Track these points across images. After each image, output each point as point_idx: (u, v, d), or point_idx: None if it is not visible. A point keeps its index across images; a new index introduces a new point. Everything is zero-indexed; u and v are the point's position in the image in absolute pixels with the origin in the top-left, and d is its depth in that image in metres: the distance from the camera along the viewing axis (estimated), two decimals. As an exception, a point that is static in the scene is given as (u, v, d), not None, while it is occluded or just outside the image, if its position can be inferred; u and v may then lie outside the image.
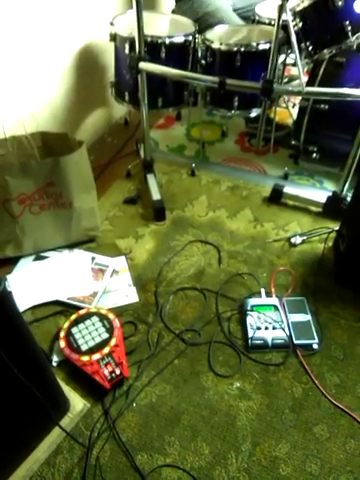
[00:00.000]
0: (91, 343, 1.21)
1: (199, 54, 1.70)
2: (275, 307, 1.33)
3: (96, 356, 1.17)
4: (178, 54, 1.66)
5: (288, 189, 1.75)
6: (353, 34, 1.42)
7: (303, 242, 1.59)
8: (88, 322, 1.26)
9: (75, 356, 1.18)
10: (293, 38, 1.29)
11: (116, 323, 1.27)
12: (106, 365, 1.16)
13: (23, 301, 1.35)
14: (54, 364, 1.21)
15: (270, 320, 1.30)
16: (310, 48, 1.52)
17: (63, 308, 1.36)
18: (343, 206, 1.63)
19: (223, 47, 1.60)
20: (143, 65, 1.50)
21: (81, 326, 1.25)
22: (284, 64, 1.73)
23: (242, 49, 1.58)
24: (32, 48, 1.61)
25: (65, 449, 1.06)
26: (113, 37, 1.68)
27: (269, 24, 1.74)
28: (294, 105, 2.08)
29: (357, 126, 1.42)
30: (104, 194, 1.81)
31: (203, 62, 1.68)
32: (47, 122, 1.79)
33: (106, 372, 1.14)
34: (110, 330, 1.24)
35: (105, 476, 1.02)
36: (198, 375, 1.21)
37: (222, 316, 1.35)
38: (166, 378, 1.20)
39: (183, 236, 1.63)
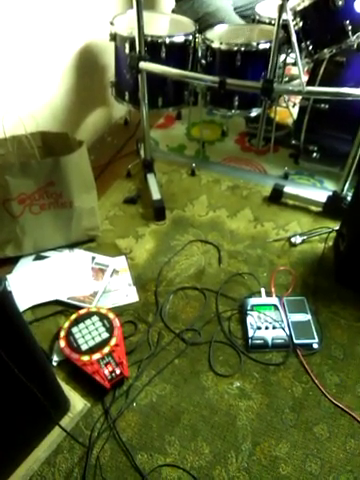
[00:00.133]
0: (91, 343, 1.21)
1: (199, 54, 1.70)
2: (275, 307, 1.33)
3: (96, 356, 1.17)
4: (178, 54, 1.66)
5: (288, 189, 1.75)
6: (353, 33, 1.42)
7: (303, 242, 1.59)
8: (88, 322, 1.26)
9: (75, 356, 1.18)
10: (293, 37, 1.29)
11: (116, 323, 1.27)
12: (106, 365, 1.16)
13: (23, 301, 1.35)
14: (54, 364, 1.21)
15: (270, 320, 1.30)
16: (310, 47, 1.52)
17: (63, 308, 1.36)
18: (343, 206, 1.63)
19: (223, 47, 1.60)
20: (143, 65, 1.50)
21: (81, 326, 1.25)
22: (284, 64, 1.73)
23: (242, 49, 1.58)
24: (32, 48, 1.61)
25: (65, 449, 1.06)
26: (113, 37, 1.68)
27: (269, 23, 1.74)
28: (294, 105, 2.08)
29: (357, 126, 1.42)
30: (104, 194, 1.81)
31: (203, 62, 1.68)
32: (47, 122, 1.79)
33: (106, 372, 1.14)
34: (110, 330, 1.24)
35: (105, 476, 1.02)
36: (198, 375, 1.21)
37: (222, 316, 1.35)
38: (166, 378, 1.20)
39: (183, 236, 1.63)
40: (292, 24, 1.32)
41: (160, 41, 1.59)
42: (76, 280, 1.44)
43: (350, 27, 1.41)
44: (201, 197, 1.81)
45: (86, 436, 1.08)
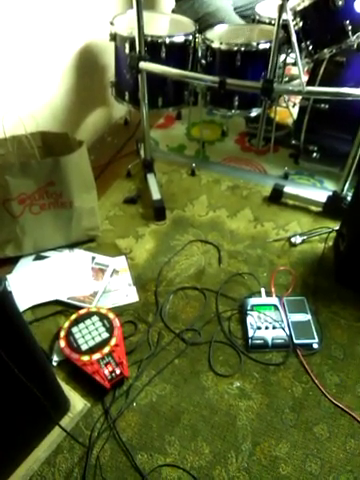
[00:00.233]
0: (91, 343, 1.21)
1: (199, 54, 1.70)
2: (275, 307, 1.33)
3: (96, 356, 1.17)
4: (178, 54, 1.66)
5: (288, 189, 1.75)
6: (353, 33, 1.42)
7: (303, 242, 1.59)
8: (88, 322, 1.26)
9: (75, 356, 1.18)
10: (293, 37, 1.29)
11: (116, 323, 1.27)
12: (106, 365, 1.16)
13: (23, 301, 1.35)
14: (54, 364, 1.21)
15: (270, 320, 1.30)
16: (310, 47, 1.52)
17: (63, 308, 1.36)
18: (343, 206, 1.63)
19: (223, 47, 1.60)
20: (143, 65, 1.50)
21: (81, 326, 1.25)
22: (284, 63, 1.73)
23: (242, 49, 1.58)
24: (32, 48, 1.61)
25: (65, 449, 1.06)
26: (113, 37, 1.68)
27: (269, 24, 1.74)
28: (294, 105, 2.08)
29: (357, 126, 1.42)
30: (104, 194, 1.81)
31: (203, 62, 1.68)
32: (47, 122, 1.79)
33: (106, 372, 1.14)
34: (110, 330, 1.24)
35: (105, 476, 1.02)
36: (198, 375, 1.21)
37: (222, 316, 1.35)
38: (166, 378, 1.20)
39: (183, 236, 1.63)
40: (292, 24, 1.32)
41: (160, 41, 1.59)
42: (76, 280, 1.44)
43: (350, 27, 1.41)
44: (201, 197, 1.81)
45: (86, 436, 1.08)
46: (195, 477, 1.01)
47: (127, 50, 1.61)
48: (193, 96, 1.82)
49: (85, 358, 1.17)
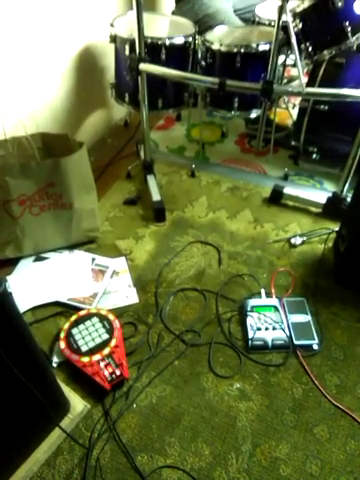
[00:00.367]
0: (91, 344, 1.21)
1: (199, 55, 1.70)
2: (275, 308, 1.33)
3: (96, 357, 1.17)
4: (178, 55, 1.66)
5: (288, 190, 1.75)
6: (353, 35, 1.43)
7: (303, 243, 1.59)
8: (88, 323, 1.26)
9: (75, 357, 1.18)
10: (293, 39, 1.29)
11: (116, 324, 1.27)
12: (106, 366, 1.16)
13: (23, 302, 1.35)
14: (54, 365, 1.21)
15: (270, 321, 1.30)
16: (310, 49, 1.52)
17: (63, 309, 1.36)
18: (343, 207, 1.63)
19: (223, 48, 1.60)
20: (143, 66, 1.50)
21: (81, 327, 1.25)
22: (284, 65, 1.74)
23: (242, 50, 1.58)
24: (32, 49, 1.61)
25: (65, 450, 1.06)
26: (113, 38, 1.69)
27: (269, 25, 1.75)
28: (294, 106, 2.08)
29: (357, 127, 1.42)
30: (104, 195, 1.81)
31: (203, 63, 1.69)
32: (47, 123, 1.80)
33: (106, 373, 1.14)
34: (110, 331, 1.24)
35: (105, 477, 1.02)
36: (198, 376, 1.21)
37: (222, 317, 1.35)
38: (166, 379, 1.20)
39: (183, 237, 1.63)
40: (292, 25, 1.32)
41: (160, 43, 1.59)
42: (76, 281, 1.44)
43: (349, 28, 1.42)
44: (201, 198, 1.81)
45: (86, 437, 1.08)
46: (195, 478, 1.01)
47: (127, 52, 1.62)
48: (193, 97, 1.82)
49: (85, 359, 1.17)
